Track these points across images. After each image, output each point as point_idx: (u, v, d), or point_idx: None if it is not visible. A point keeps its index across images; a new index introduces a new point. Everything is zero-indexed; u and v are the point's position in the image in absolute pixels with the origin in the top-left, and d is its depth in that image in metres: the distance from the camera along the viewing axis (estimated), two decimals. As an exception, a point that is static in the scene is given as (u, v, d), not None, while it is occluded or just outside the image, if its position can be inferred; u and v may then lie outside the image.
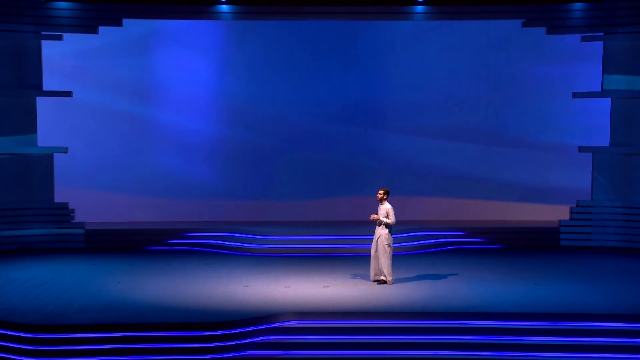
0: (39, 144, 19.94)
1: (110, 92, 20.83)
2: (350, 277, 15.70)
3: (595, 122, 20.34)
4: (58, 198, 20.08)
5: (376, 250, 15.09)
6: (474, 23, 20.59)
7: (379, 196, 15.13)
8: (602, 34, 19.71)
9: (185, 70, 21.15)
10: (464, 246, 19.48)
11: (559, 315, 12.80)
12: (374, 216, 15.05)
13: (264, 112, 21.29)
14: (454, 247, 19.40)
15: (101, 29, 19.72)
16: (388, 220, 14.92)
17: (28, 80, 19.74)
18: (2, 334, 12.26)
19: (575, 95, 20.13)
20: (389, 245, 15.04)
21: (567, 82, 20.45)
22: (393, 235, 15.21)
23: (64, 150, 20.01)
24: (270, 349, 12.41)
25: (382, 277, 15.11)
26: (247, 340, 12.36)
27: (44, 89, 19.76)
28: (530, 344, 12.40)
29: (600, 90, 19.97)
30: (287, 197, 21.33)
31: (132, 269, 16.87)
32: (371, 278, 15.27)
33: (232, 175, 21.40)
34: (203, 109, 21.32)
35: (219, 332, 12.17)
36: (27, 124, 19.80)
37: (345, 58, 21.24)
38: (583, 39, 19.91)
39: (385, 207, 15.04)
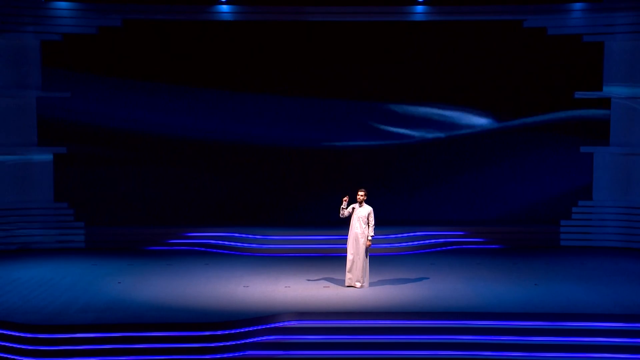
0: (39, 144, 19.95)
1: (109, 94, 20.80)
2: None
3: (596, 122, 20.33)
4: (58, 198, 20.12)
5: (356, 254, 14.54)
6: (474, 23, 20.58)
7: (361, 198, 14.57)
8: (602, 34, 19.71)
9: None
10: (464, 246, 19.46)
11: (559, 315, 12.79)
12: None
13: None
14: (454, 247, 19.38)
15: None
16: (371, 230, 14.51)
17: (28, 81, 19.75)
18: (2, 334, 12.25)
19: (576, 95, 20.15)
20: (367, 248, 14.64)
21: (568, 82, 20.42)
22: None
23: (64, 150, 20.02)
24: (270, 349, 12.40)
25: (358, 284, 14.66)
26: (247, 340, 12.35)
27: (44, 89, 19.78)
28: (530, 344, 12.40)
29: (600, 90, 19.99)
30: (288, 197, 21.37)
31: (132, 269, 16.87)
32: (347, 284, 14.73)
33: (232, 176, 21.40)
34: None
35: (219, 332, 12.16)
36: (27, 124, 19.80)
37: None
38: (583, 40, 19.93)
39: (366, 209, 14.55)
